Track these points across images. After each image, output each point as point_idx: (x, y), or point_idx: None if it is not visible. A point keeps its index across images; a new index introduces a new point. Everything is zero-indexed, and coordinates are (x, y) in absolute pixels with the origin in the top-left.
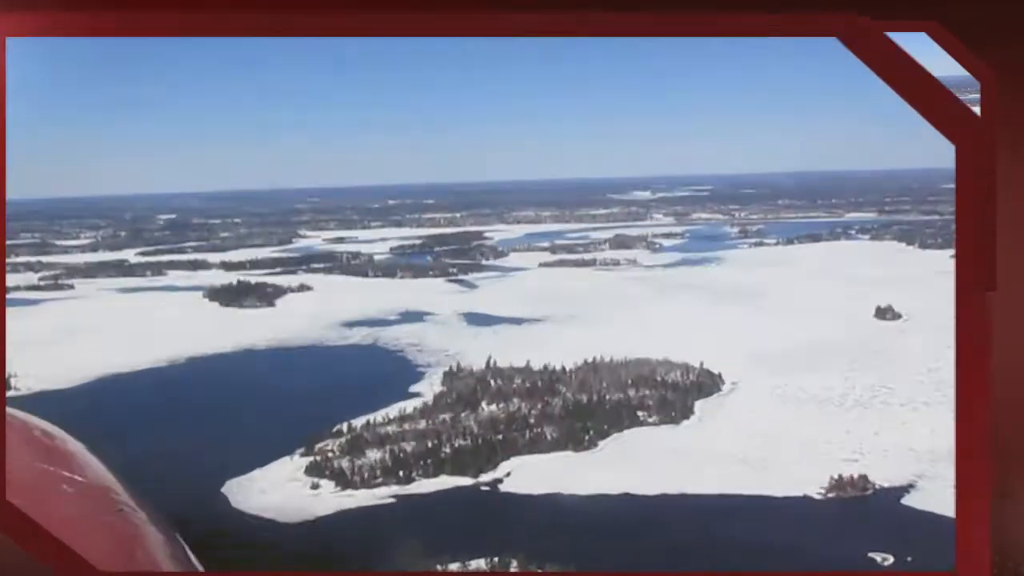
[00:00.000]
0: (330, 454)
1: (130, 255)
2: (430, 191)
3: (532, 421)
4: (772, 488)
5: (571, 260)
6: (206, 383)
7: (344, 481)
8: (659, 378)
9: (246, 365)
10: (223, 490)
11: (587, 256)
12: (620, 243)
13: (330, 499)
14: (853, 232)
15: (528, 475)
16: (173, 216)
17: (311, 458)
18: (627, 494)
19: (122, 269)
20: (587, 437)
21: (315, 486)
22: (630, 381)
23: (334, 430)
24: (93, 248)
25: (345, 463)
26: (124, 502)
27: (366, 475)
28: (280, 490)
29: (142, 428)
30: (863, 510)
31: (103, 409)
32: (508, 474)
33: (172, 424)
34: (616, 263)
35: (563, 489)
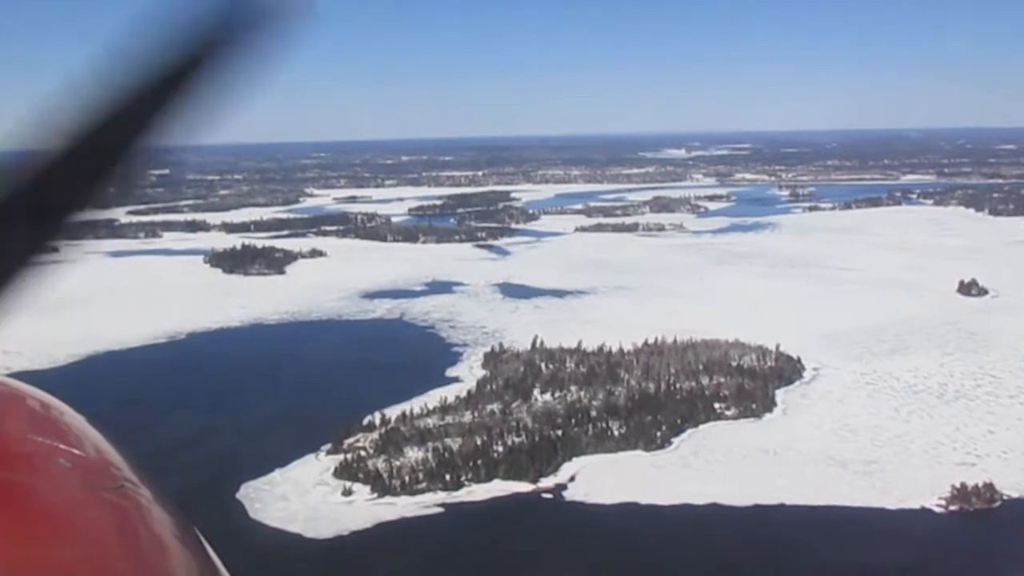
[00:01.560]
0: (362, 452)
1: (120, 213)
2: (446, 146)
3: (594, 414)
4: (883, 498)
5: (610, 224)
6: (211, 363)
7: (381, 486)
8: (733, 363)
9: (256, 342)
10: (239, 496)
11: (628, 220)
12: (662, 206)
13: (365, 508)
14: (914, 196)
15: (596, 479)
16: (166, 171)
17: (340, 456)
18: (716, 504)
19: (111, 229)
20: (659, 433)
21: (347, 492)
22: (701, 367)
23: (364, 422)
24: None
25: (381, 464)
26: (126, 478)
27: (407, 479)
28: (306, 497)
29: (139, 416)
30: (995, 526)
31: (92, 393)
32: (572, 478)
33: (174, 412)
34: (661, 228)
35: (639, 497)
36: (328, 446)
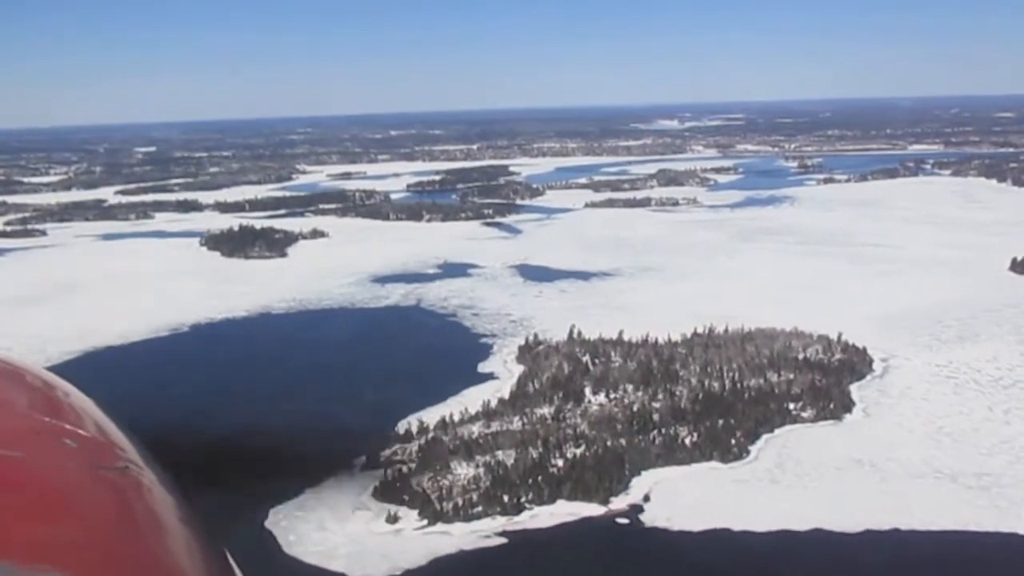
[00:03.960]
0: (403, 468)
1: (108, 194)
2: (433, 120)
3: (657, 418)
4: (1013, 521)
5: (621, 199)
6: (219, 360)
7: (431, 511)
8: (798, 355)
9: (266, 334)
10: (268, 525)
11: (638, 195)
12: (669, 179)
13: (417, 539)
14: (928, 167)
15: (673, 498)
16: (152, 149)
17: (378, 473)
18: (820, 530)
19: (101, 211)
20: (733, 441)
21: (392, 518)
22: (765, 361)
23: (400, 430)
24: (66, 186)
25: (427, 483)
26: (130, 459)
27: (460, 501)
28: (346, 525)
29: (146, 426)
30: None
31: (90, 394)
32: (647, 497)
33: (184, 420)
34: (674, 203)
35: (729, 522)
36: (363, 459)
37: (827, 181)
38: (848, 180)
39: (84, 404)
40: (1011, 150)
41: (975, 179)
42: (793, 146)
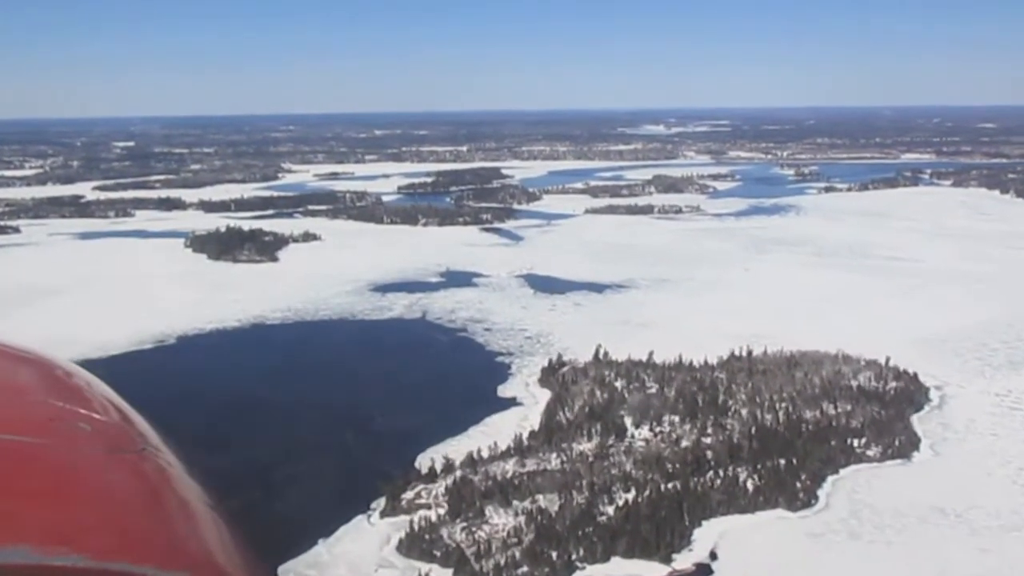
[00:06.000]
0: (431, 516)
1: (86, 189)
2: (417, 120)
3: (710, 456)
4: None
5: (622, 206)
6: (211, 379)
7: (468, 572)
8: (852, 383)
9: (260, 349)
10: None
11: (639, 201)
12: (667, 185)
13: None
14: (926, 176)
15: (743, 556)
16: (131, 144)
17: (400, 520)
18: None
19: (78, 207)
20: (798, 484)
21: None
22: (817, 389)
23: (422, 467)
24: (41, 180)
25: (460, 534)
26: (148, 443)
27: (500, 560)
28: None
29: None
30: None
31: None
32: (713, 555)
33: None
34: (678, 210)
35: None
36: (381, 503)
37: (828, 190)
38: (849, 189)
39: (100, 389)
40: (1005, 161)
41: (977, 190)
42: (786, 153)
